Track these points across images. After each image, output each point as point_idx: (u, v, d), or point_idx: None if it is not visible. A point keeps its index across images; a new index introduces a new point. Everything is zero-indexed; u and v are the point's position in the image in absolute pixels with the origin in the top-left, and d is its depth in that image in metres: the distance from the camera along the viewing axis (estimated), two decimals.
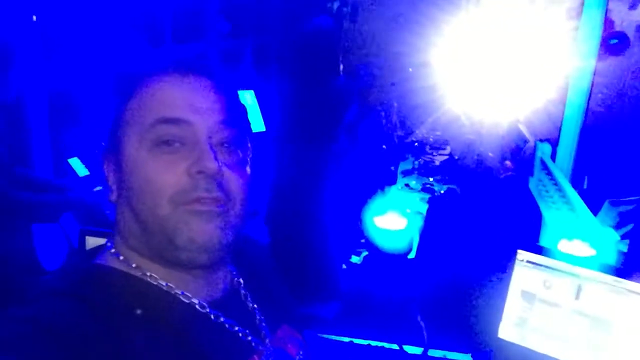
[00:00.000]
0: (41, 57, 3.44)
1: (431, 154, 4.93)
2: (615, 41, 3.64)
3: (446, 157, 4.83)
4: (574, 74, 3.48)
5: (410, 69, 5.88)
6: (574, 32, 3.49)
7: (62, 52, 3.57)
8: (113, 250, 0.90)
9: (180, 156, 0.84)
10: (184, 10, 4.86)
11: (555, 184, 3.60)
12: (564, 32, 3.93)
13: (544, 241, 3.12)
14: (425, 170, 4.49)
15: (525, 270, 1.00)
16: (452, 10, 5.81)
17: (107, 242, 0.92)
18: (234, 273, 1.00)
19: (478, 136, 4.70)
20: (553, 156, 3.91)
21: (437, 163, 4.74)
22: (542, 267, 1.00)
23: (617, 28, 7.68)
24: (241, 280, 1.00)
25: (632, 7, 6.90)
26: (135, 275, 0.87)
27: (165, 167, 0.83)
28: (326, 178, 2.70)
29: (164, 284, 0.87)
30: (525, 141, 4.34)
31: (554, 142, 4.00)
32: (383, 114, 5.79)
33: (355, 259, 3.43)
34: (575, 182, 3.78)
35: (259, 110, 2.92)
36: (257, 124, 2.87)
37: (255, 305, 0.98)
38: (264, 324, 0.97)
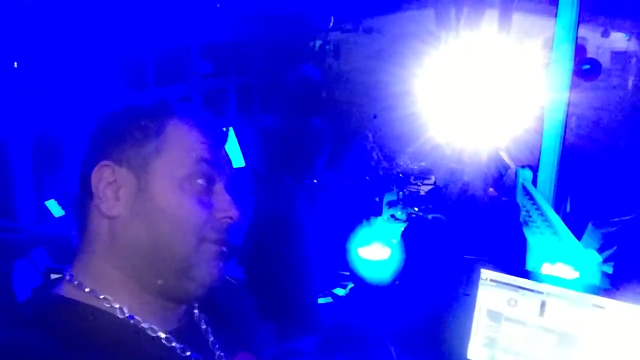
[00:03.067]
0: (23, 103, 3.46)
1: (416, 184, 4.97)
2: (587, 67, 3.74)
3: (431, 186, 4.87)
4: (550, 102, 3.57)
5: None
6: (548, 62, 3.59)
7: (43, 97, 3.60)
8: (76, 282, 0.87)
9: (207, 196, 0.90)
10: (165, 53, 4.93)
11: (538, 209, 3.63)
12: (538, 63, 4.04)
13: (529, 265, 3.13)
14: (410, 200, 4.51)
15: (489, 289, 1.01)
16: (434, 43, 5.97)
17: (66, 273, 0.88)
18: (195, 305, 1.01)
19: (461, 165, 4.75)
20: (534, 181, 3.96)
21: (422, 193, 4.77)
22: (506, 285, 1.01)
23: (593, 55, 7.89)
24: (196, 312, 1.00)
25: (605, 34, 7.12)
26: (100, 309, 0.85)
27: (200, 205, 0.88)
28: (303, 212, 2.72)
29: (130, 316, 0.86)
30: (507, 168, 4.40)
31: (535, 168, 4.05)
32: (368, 146, 5.85)
33: (340, 292, 3.41)
34: (558, 206, 3.82)
35: (238, 146, 2.97)
36: (237, 159, 2.91)
37: (213, 339, 0.98)
38: (222, 354, 0.97)
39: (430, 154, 5.51)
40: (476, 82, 4.72)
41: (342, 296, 3.30)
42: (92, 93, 3.82)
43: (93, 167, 0.87)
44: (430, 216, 4.38)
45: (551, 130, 3.65)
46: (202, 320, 1.00)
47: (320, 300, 3.26)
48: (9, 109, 3.36)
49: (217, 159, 0.92)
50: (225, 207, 0.91)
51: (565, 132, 3.67)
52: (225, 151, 0.97)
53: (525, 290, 0.98)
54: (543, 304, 0.97)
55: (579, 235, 3.36)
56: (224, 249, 0.91)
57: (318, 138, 2.86)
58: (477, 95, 4.72)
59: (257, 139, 2.99)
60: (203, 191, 0.90)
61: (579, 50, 3.64)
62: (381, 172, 5.24)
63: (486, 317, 1.00)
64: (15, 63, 3.45)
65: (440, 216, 4.32)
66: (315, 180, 2.82)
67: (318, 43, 8.90)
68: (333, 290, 3.53)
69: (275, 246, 2.65)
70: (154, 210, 0.86)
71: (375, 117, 5.99)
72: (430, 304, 1.60)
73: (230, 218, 0.91)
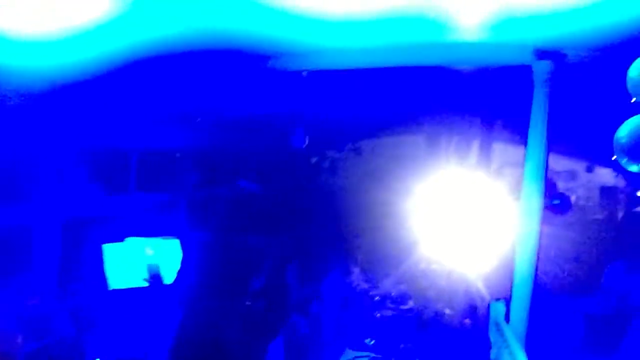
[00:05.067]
0: None
1: (391, 308, 4.79)
2: (557, 202, 3.72)
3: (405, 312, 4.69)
4: (521, 236, 3.50)
5: None
6: (520, 198, 3.56)
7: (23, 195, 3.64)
8: None
9: None
10: (151, 158, 5.00)
11: (507, 347, 3.43)
12: (511, 199, 4.04)
13: None
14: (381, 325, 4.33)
15: None
16: (425, 168, 6.04)
17: None
18: None
19: (438, 293, 4.62)
20: (508, 316, 3.79)
21: (396, 319, 4.59)
22: None
23: (584, 189, 7.94)
24: None
25: (589, 170, 7.20)
26: None
27: None
28: (233, 335, 2.58)
29: None
30: (482, 299, 4.25)
31: (509, 301, 3.90)
32: (351, 267, 5.75)
33: None
34: (530, 344, 3.61)
35: (179, 261, 2.88)
36: (170, 275, 2.81)
37: None
38: None
39: (411, 279, 5.39)
40: (459, 211, 4.72)
41: None
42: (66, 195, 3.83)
43: None
44: (401, 346, 4.19)
45: (522, 264, 3.55)
46: None
47: None
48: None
49: None
50: None
51: (537, 266, 3.57)
52: None
53: None
54: None
55: None
56: None
57: (253, 257, 2.76)
58: (459, 224, 4.70)
59: (192, 254, 2.92)
60: None
61: (550, 186, 3.63)
62: (358, 294, 5.09)
63: None
64: None
65: (408, 345, 4.13)
66: (248, 303, 2.71)
67: (314, 159, 9.07)
68: None
69: None
70: None
71: (358, 236, 5.93)
72: None
73: None
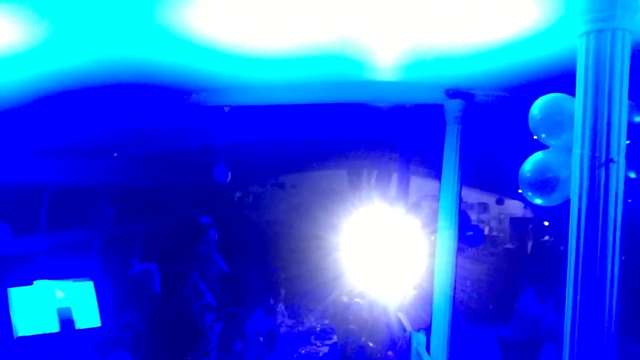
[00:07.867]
0: None
1: (315, 344, 4.77)
2: (470, 233, 3.89)
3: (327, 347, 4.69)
4: (438, 267, 3.61)
5: None
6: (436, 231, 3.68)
7: None
8: None
9: None
10: (64, 195, 4.77)
11: None
12: (428, 231, 4.19)
13: None
14: None
15: None
16: (348, 201, 6.14)
17: None
18: None
19: (361, 326, 4.64)
20: (429, 345, 3.87)
21: (321, 354, 4.57)
22: None
23: (495, 221, 8.35)
24: None
25: (499, 202, 7.65)
26: None
27: None
28: None
29: None
30: (404, 330, 4.32)
31: (429, 331, 3.99)
32: (272, 301, 5.69)
33: None
34: None
35: (95, 302, 2.71)
36: (92, 318, 2.63)
37: None
38: None
39: (335, 313, 5.40)
40: (379, 245, 4.82)
41: None
42: None
43: None
44: None
45: (440, 294, 3.64)
46: None
47: None
48: None
49: None
50: None
51: (454, 296, 3.68)
52: None
53: None
54: None
55: None
56: None
57: (174, 292, 2.66)
58: (380, 257, 4.79)
59: (107, 295, 2.76)
60: None
61: (464, 218, 3.79)
62: (282, 330, 5.04)
63: None
64: None
65: None
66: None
67: (238, 194, 9.00)
68: None
69: None
70: None
71: (275, 270, 5.90)
72: None
73: None
